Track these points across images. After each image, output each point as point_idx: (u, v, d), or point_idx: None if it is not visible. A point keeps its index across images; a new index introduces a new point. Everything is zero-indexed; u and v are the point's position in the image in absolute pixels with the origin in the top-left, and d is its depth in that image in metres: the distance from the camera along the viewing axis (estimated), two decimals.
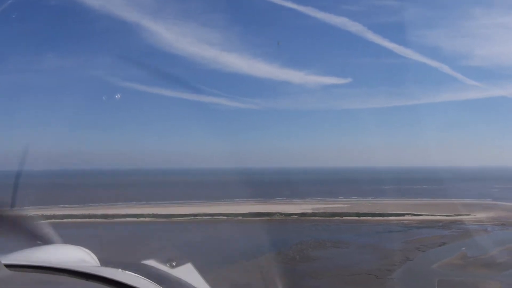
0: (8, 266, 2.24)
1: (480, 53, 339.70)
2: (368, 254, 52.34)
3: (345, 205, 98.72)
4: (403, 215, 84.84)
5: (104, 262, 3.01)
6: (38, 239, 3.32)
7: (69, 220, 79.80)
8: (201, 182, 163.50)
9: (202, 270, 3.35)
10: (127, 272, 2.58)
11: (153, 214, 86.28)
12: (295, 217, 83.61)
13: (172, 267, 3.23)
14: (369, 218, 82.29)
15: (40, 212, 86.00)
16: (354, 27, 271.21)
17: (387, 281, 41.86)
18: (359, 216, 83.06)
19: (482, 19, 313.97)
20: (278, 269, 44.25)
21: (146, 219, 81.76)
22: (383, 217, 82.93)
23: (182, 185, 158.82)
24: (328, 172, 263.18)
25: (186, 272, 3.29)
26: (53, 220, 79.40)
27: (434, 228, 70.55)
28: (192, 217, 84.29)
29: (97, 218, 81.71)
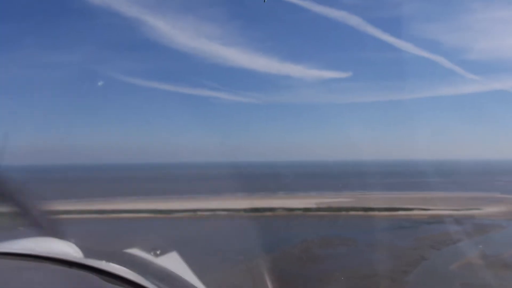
0: None
1: (480, 46, 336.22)
2: (379, 252, 48.78)
3: (350, 199, 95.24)
4: (411, 209, 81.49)
5: (87, 251, 2.79)
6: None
7: (66, 216, 76.49)
8: (201, 176, 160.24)
9: (199, 272, 3.12)
10: (110, 263, 2.43)
11: (151, 209, 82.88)
12: (299, 212, 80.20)
13: (156, 255, 3.11)
14: (376, 213, 78.91)
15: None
16: (354, 20, 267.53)
17: (405, 285, 38.41)
18: (366, 211, 79.60)
19: (481, 13, 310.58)
20: (283, 271, 40.87)
21: (144, 215, 78.36)
22: (390, 211, 79.51)
23: (182, 179, 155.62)
24: (330, 166, 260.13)
25: (171, 260, 3.19)
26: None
27: (446, 224, 67.05)
28: (192, 213, 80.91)
29: (93, 214, 78.26)
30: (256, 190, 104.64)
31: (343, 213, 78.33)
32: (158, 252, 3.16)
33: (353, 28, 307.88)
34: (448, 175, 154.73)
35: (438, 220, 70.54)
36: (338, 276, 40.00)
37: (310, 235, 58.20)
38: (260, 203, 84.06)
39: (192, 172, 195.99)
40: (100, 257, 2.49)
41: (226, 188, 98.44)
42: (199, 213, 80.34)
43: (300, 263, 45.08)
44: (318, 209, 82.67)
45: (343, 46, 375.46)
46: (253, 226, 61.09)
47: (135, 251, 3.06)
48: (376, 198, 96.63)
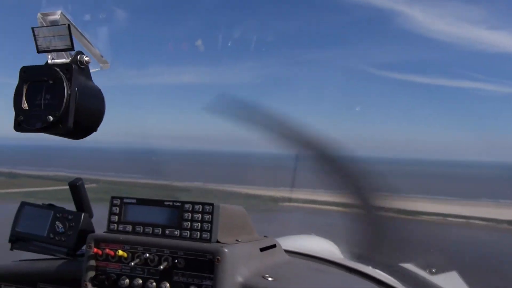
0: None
1: None
2: None
3: None
4: None
5: (351, 255, 2.82)
6: None
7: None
8: (454, 176, 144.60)
9: None
10: (385, 273, 2.40)
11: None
12: None
13: (432, 273, 2.90)
14: None
15: None
16: None
17: None
18: None
19: None
20: None
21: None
22: None
23: (450, 179, 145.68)
24: None
25: (450, 281, 2.92)
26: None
27: None
28: (441, 217, 71.96)
29: None
30: None
31: None
32: (433, 270, 2.88)
33: None
34: None
35: None
36: None
37: None
38: None
39: (453, 172, 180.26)
40: (375, 266, 2.42)
41: (488, 191, 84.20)
42: (448, 218, 70.90)
43: None
44: None
45: None
46: None
47: (409, 266, 2.85)
48: None
